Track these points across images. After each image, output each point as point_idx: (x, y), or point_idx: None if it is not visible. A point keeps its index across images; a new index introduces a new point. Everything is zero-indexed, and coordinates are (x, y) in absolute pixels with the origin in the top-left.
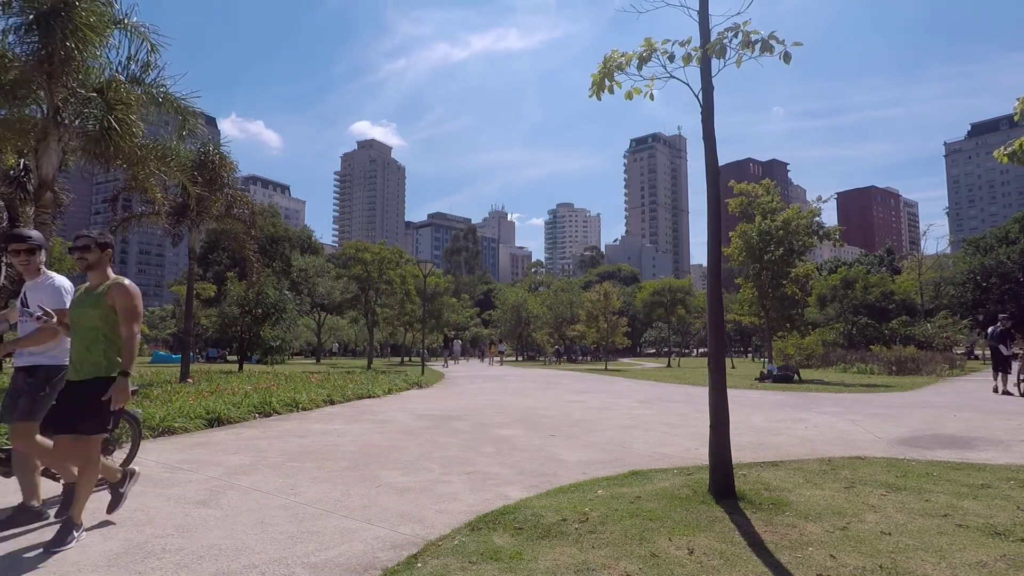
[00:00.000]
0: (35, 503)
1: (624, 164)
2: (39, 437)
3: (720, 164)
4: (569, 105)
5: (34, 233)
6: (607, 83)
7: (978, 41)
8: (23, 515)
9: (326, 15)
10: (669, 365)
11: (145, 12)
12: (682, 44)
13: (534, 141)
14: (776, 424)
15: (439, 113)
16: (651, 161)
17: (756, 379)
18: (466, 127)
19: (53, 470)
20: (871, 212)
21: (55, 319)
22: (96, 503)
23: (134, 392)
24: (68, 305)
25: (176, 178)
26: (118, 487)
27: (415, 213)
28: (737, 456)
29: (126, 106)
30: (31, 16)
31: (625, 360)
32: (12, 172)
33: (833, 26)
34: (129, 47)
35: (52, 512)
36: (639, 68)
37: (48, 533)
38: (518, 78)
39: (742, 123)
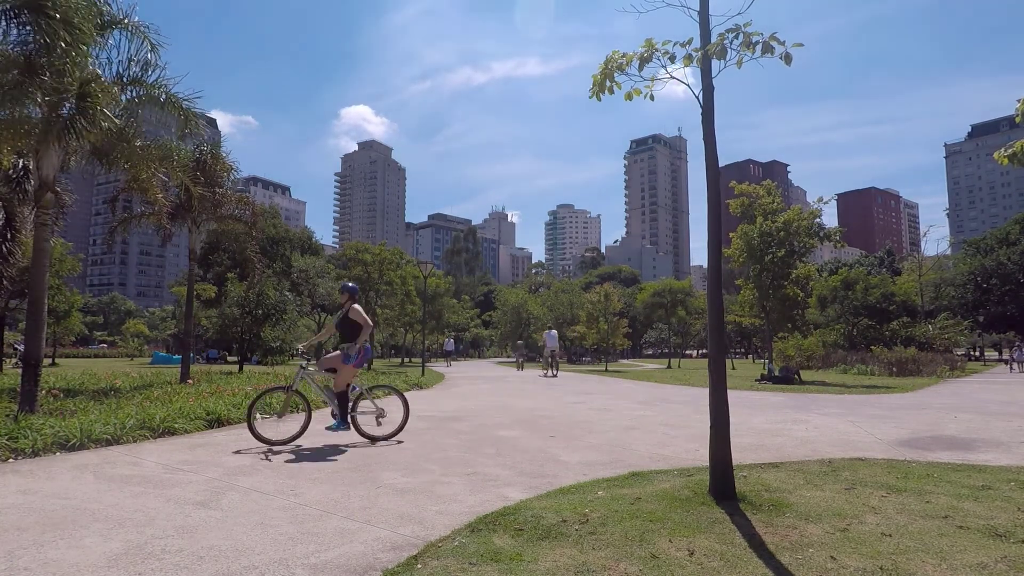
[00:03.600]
0: None
1: (624, 165)
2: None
3: (720, 165)
4: (576, 118)
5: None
6: (607, 83)
7: (978, 60)
8: None
9: (359, 44)
10: (669, 366)
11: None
12: (683, 45)
13: (541, 152)
14: (776, 425)
15: (456, 129)
16: (651, 162)
17: (756, 380)
18: (478, 141)
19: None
20: (871, 213)
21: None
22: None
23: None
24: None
25: (178, 178)
26: None
27: (415, 214)
28: (737, 457)
29: (94, 97)
30: (5, 8)
31: (625, 361)
32: (11, 172)
33: (832, 45)
34: (129, 47)
35: None
36: (640, 69)
37: None
38: (534, 98)
39: (742, 138)
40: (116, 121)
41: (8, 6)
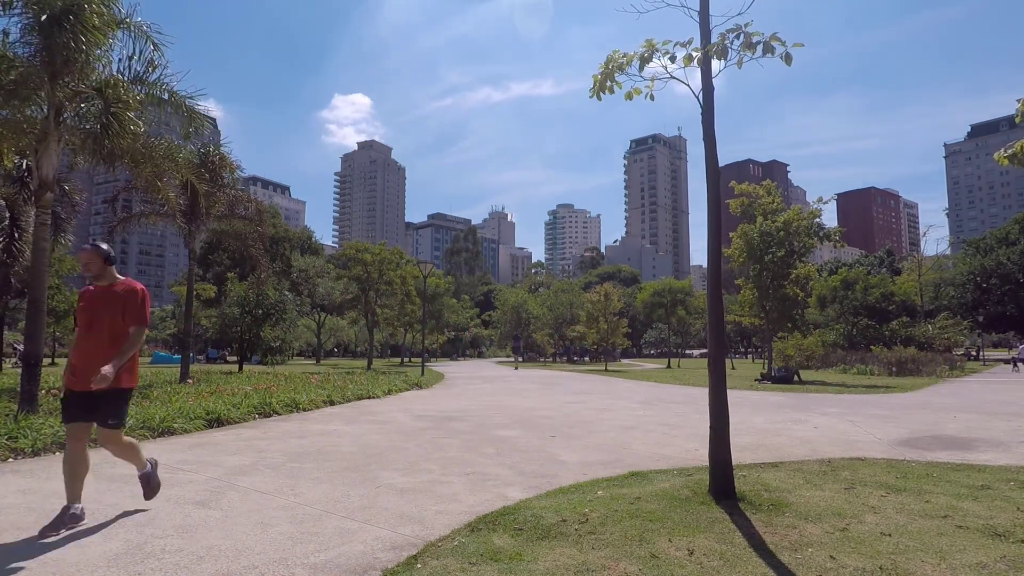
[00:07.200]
0: None
1: (624, 165)
2: None
3: (720, 165)
4: (580, 126)
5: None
6: (608, 83)
7: (979, 70)
8: None
9: (383, 67)
10: (669, 366)
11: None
12: (683, 45)
13: (546, 159)
14: (776, 425)
15: (470, 140)
16: (651, 162)
17: (756, 380)
18: (488, 152)
19: None
20: (871, 213)
21: None
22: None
23: None
24: None
25: (183, 176)
26: None
27: (415, 214)
28: (737, 457)
29: (124, 104)
30: (43, 17)
31: (625, 361)
32: (15, 172)
33: (832, 51)
34: (133, 46)
35: None
36: (640, 68)
37: None
38: (546, 115)
39: (742, 139)
40: (142, 126)
41: (44, 17)
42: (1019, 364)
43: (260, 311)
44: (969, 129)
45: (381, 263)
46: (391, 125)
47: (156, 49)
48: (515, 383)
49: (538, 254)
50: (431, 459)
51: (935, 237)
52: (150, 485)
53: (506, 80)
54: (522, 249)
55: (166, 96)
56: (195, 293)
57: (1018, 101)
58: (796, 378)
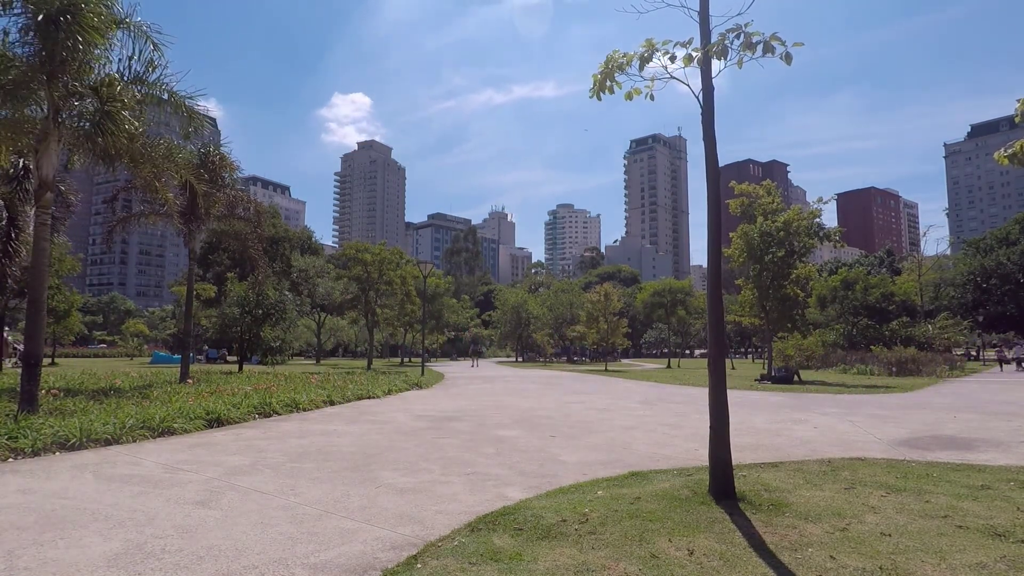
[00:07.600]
0: None
1: (624, 165)
2: None
3: (720, 165)
4: (581, 127)
5: None
6: (608, 83)
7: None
8: None
9: (386, 67)
10: (669, 366)
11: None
12: (683, 45)
13: (547, 160)
14: (776, 425)
15: (473, 142)
16: (651, 162)
17: (756, 380)
18: (490, 153)
19: None
20: (871, 213)
21: None
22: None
23: None
24: None
25: (182, 176)
26: None
27: (415, 214)
28: (737, 457)
29: (119, 102)
30: (40, 17)
31: (625, 361)
32: (11, 171)
33: (831, 52)
34: (132, 46)
35: None
36: (640, 68)
37: None
38: (547, 116)
39: (742, 138)
40: (137, 124)
41: (41, 17)
42: (1016, 363)
43: (260, 311)
44: (969, 129)
45: (381, 263)
46: (392, 125)
47: (156, 49)
48: (515, 383)
49: (538, 254)
50: (431, 459)
51: (935, 237)
52: None
53: (508, 82)
54: (522, 249)
55: (166, 96)
56: (195, 293)
57: (1018, 101)
58: (796, 378)
